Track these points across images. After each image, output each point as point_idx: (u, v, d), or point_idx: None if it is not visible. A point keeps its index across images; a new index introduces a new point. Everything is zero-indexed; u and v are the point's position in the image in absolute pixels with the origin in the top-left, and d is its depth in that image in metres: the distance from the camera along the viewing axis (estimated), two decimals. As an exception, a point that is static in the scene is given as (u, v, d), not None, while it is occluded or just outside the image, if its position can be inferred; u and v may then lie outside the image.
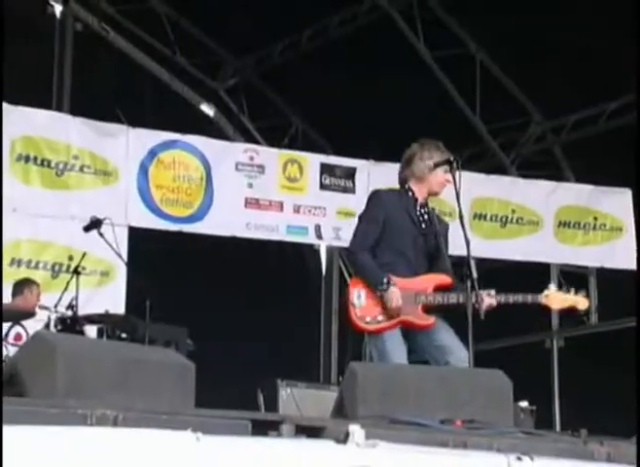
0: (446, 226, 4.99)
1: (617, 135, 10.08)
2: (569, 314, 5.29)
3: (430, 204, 4.93)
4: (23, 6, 10.17)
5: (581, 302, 4.79)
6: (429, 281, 4.73)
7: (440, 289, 4.70)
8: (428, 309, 4.68)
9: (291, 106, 11.73)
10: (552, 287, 4.77)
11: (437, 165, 4.77)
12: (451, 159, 4.71)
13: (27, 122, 8.49)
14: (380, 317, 4.64)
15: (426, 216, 4.86)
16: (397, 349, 4.61)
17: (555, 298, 4.74)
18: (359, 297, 4.68)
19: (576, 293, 4.78)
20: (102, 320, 7.12)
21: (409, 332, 4.70)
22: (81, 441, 2.14)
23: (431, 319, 4.68)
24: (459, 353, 4.55)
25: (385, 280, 4.60)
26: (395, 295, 4.60)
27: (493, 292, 4.61)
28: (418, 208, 4.85)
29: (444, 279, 4.73)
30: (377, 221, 4.78)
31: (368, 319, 4.65)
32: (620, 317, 10.65)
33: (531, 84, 10.35)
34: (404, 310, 4.63)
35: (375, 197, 4.92)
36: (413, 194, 4.85)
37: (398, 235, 4.76)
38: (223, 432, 2.42)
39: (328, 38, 10.56)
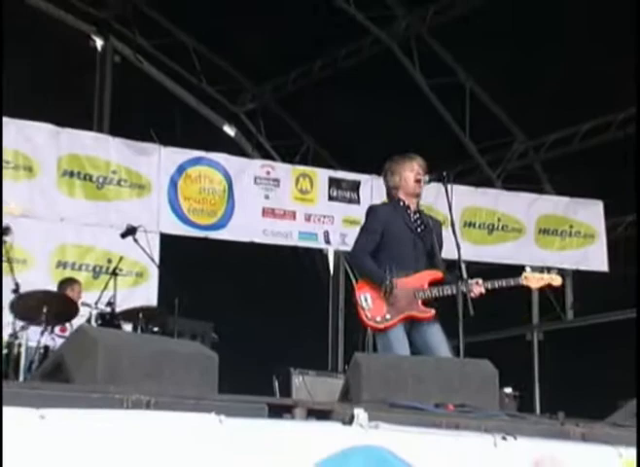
0: (439, 223, 4.96)
1: (590, 153, 10.06)
2: (549, 289, 5.28)
3: (421, 208, 4.92)
4: (70, 41, 10.26)
5: (555, 279, 4.82)
6: (423, 278, 4.72)
7: (434, 283, 4.70)
8: (427, 302, 4.68)
9: (303, 127, 11.75)
10: (528, 269, 4.79)
11: (431, 181, 4.80)
12: (444, 174, 4.71)
13: (73, 142, 8.51)
14: (388, 316, 4.62)
15: (419, 221, 4.85)
16: (401, 343, 4.59)
17: (533, 278, 4.75)
18: (365, 300, 4.66)
19: (549, 272, 4.80)
20: (137, 316, 7.10)
21: (409, 329, 4.69)
22: (118, 422, 2.15)
23: (431, 311, 4.68)
24: (441, 355, 4.55)
25: (388, 277, 4.60)
26: (398, 295, 4.60)
27: (480, 281, 4.62)
28: (412, 215, 4.84)
29: (436, 274, 4.72)
30: (376, 231, 4.76)
31: (378, 319, 4.63)
32: (593, 313, 10.62)
33: (515, 108, 10.34)
34: (407, 307, 4.63)
35: (372, 211, 4.90)
36: (404, 203, 4.85)
37: (398, 243, 4.74)
38: (243, 415, 2.41)
39: (336, 68, 10.58)
